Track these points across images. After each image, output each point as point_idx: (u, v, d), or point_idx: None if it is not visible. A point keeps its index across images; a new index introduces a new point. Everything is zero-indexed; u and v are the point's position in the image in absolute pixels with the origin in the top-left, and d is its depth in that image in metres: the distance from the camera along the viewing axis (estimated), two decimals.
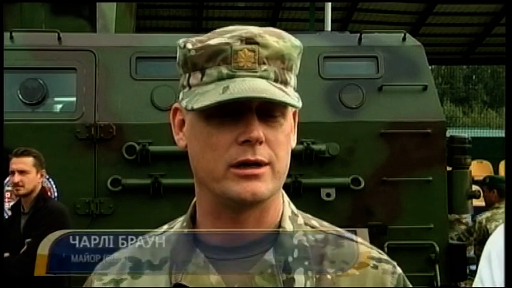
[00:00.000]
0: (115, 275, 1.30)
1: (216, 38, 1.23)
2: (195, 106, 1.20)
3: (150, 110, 5.83)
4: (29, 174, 4.85)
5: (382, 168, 5.91)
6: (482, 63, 25.12)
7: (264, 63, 1.21)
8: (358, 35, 6.24)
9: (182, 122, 1.28)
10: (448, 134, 6.28)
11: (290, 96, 1.21)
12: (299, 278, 1.23)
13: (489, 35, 16.43)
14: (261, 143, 1.20)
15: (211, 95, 1.19)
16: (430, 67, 6.81)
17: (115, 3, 7.36)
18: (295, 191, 5.57)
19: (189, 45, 1.24)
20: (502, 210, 6.79)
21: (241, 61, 1.20)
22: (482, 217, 7.04)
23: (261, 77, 1.20)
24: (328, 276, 1.25)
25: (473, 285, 2.16)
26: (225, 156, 1.20)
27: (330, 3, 9.15)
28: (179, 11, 15.63)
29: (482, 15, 15.77)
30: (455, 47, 17.77)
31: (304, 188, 5.60)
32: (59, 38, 5.99)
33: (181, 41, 1.26)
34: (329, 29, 8.91)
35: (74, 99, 5.92)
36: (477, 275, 2.14)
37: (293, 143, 1.29)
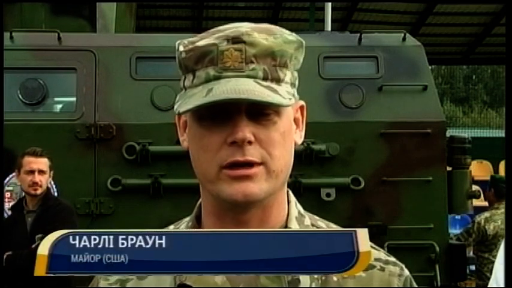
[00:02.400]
0: (121, 275, 1.29)
1: (205, 39, 1.22)
2: (180, 110, 1.20)
3: (150, 110, 5.83)
4: (45, 174, 4.98)
5: (382, 168, 5.91)
6: (482, 63, 25.12)
7: (252, 62, 1.19)
8: (358, 35, 6.24)
9: (186, 124, 1.28)
10: (448, 134, 6.28)
11: (280, 94, 1.19)
12: (304, 279, 1.22)
13: (489, 35, 16.43)
14: (250, 143, 1.18)
15: (195, 98, 1.18)
16: (430, 67, 6.81)
17: (115, 3, 7.36)
18: (295, 191, 5.53)
19: (181, 48, 1.24)
20: (501, 210, 6.80)
21: (228, 61, 1.19)
22: (481, 218, 7.04)
23: (248, 76, 1.19)
24: (334, 278, 1.23)
25: (489, 285, 2.15)
26: (216, 157, 1.19)
27: (330, 3, 9.15)
28: (179, 11, 15.63)
29: (482, 15, 15.77)
30: (455, 47, 17.76)
31: (304, 188, 5.60)
32: (59, 38, 5.99)
33: (177, 43, 1.26)
34: (329, 29, 8.91)
35: (74, 99, 5.92)
36: (492, 276, 2.12)
37: (298, 139, 1.28)
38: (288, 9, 15.41)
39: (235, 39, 1.20)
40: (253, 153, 1.19)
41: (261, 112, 1.19)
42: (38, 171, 4.93)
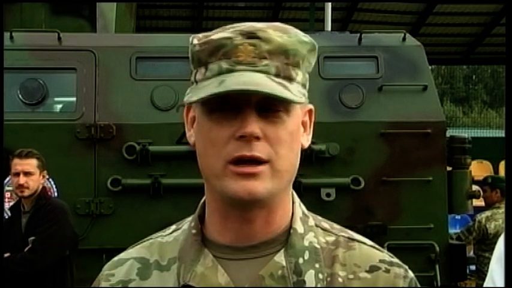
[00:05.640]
0: (123, 276, 1.29)
1: (220, 33, 1.22)
2: (191, 99, 1.20)
3: (150, 110, 5.83)
4: (33, 175, 4.89)
5: (382, 168, 5.91)
6: (482, 63, 25.13)
7: (265, 58, 1.19)
8: (358, 35, 6.24)
9: (194, 119, 1.28)
10: (448, 134, 6.28)
11: (291, 91, 1.18)
12: (310, 281, 1.21)
13: (489, 35, 16.42)
14: (258, 138, 1.18)
15: (207, 88, 1.18)
16: (430, 67, 6.81)
17: (115, 3, 7.36)
18: (295, 191, 5.53)
19: (195, 41, 1.24)
20: (502, 210, 6.80)
21: (242, 55, 1.19)
22: (482, 216, 7.05)
23: (260, 71, 1.18)
24: (339, 280, 1.23)
25: (484, 285, 2.14)
26: (223, 152, 1.19)
27: (330, 3, 9.15)
28: (179, 11, 15.62)
29: (482, 15, 15.76)
30: (455, 47, 17.75)
31: (304, 188, 5.59)
32: (59, 38, 5.99)
33: (191, 37, 1.27)
34: (329, 29, 8.91)
35: (74, 99, 5.92)
36: (488, 275, 2.10)
37: (305, 142, 1.27)
38: (288, 9, 15.40)
39: (250, 34, 1.20)
40: (260, 149, 1.18)
41: (271, 108, 1.19)
42: (23, 173, 4.85)
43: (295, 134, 1.23)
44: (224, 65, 1.20)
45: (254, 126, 1.18)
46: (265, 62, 1.19)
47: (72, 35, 6.13)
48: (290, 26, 1.26)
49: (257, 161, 1.18)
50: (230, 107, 1.19)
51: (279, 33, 1.22)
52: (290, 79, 1.21)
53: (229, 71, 1.19)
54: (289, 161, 1.22)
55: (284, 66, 1.21)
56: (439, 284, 5.84)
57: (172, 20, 15.80)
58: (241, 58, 1.19)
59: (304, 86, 1.24)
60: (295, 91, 1.20)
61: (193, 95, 1.21)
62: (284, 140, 1.20)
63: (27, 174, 4.87)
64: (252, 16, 15.02)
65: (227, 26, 1.24)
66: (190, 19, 15.89)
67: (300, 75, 1.23)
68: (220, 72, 1.19)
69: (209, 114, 1.21)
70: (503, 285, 1.97)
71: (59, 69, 5.97)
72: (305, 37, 1.24)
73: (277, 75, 1.19)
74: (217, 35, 1.22)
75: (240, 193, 1.18)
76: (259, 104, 1.18)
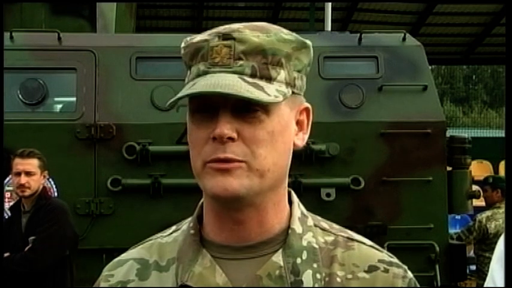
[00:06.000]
0: (122, 276, 1.29)
1: (200, 36, 1.24)
2: (167, 104, 1.24)
3: (150, 110, 5.83)
4: (34, 175, 4.88)
5: (382, 168, 5.91)
6: (482, 63, 25.13)
7: (240, 59, 1.19)
8: (358, 35, 6.24)
9: None
10: (448, 134, 6.28)
11: (265, 92, 1.18)
12: (307, 281, 1.21)
13: (489, 35, 16.42)
14: (233, 139, 1.18)
15: (182, 91, 1.20)
16: (430, 67, 6.81)
17: (115, 3, 7.36)
18: (295, 191, 5.51)
19: (182, 44, 1.27)
20: (503, 209, 6.80)
21: (217, 57, 1.20)
22: (483, 216, 7.05)
23: (234, 72, 1.18)
24: (338, 280, 1.23)
25: (484, 285, 2.13)
26: (202, 153, 1.20)
27: (330, 3, 9.14)
28: (179, 11, 15.63)
29: (482, 15, 15.76)
30: (455, 47, 17.76)
31: (304, 188, 5.59)
32: (59, 38, 5.99)
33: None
34: (329, 29, 8.90)
35: (74, 99, 5.92)
36: (489, 275, 2.10)
37: (299, 141, 1.27)
38: (288, 9, 15.40)
39: (226, 36, 1.21)
40: (234, 150, 1.18)
41: (247, 108, 1.19)
42: (25, 172, 4.85)
43: (278, 133, 1.21)
44: (201, 67, 1.21)
45: (225, 127, 1.17)
46: (240, 62, 1.19)
47: (72, 35, 6.13)
48: (274, 25, 1.25)
49: (232, 161, 1.18)
50: (207, 108, 1.19)
51: (257, 32, 1.21)
52: (268, 79, 1.20)
53: (205, 73, 1.20)
54: (271, 160, 1.20)
55: (262, 66, 1.20)
56: (439, 284, 5.84)
57: (172, 20, 15.81)
58: (217, 60, 1.20)
59: (290, 84, 1.23)
60: (272, 91, 1.19)
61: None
62: (262, 139, 1.19)
63: (28, 174, 4.87)
64: (252, 16, 15.02)
65: (211, 29, 1.25)
66: (190, 19, 15.89)
67: (282, 74, 1.22)
68: (198, 75, 1.21)
69: (192, 115, 1.23)
70: (503, 285, 1.97)
71: (59, 69, 5.97)
72: (288, 35, 1.24)
73: (252, 75, 1.19)
74: (197, 38, 1.24)
75: (215, 188, 1.18)
76: (236, 104, 1.18)
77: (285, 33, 1.24)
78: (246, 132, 1.19)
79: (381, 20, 15.28)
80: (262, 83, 1.19)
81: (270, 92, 1.18)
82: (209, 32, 1.24)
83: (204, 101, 1.19)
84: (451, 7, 15.19)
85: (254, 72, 1.19)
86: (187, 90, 1.19)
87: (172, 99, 1.20)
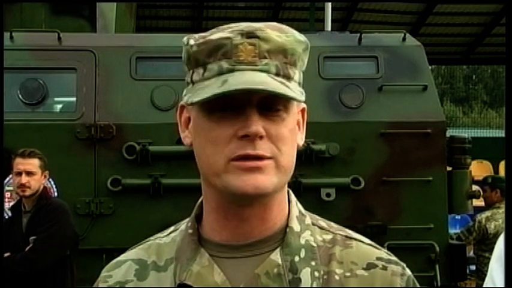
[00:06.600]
0: (120, 277, 1.30)
1: (218, 33, 1.23)
2: (194, 100, 1.20)
3: (150, 110, 5.83)
4: (35, 175, 4.89)
5: (382, 168, 5.91)
6: (482, 63, 25.13)
7: (265, 57, 1.20)
8: (358, 35, 6.24)
9: (188, 120, 1.28)
10: (448, 134, 6.28)
11: (292, 90, 1.19)
12: (305, 279, 1.21)
13: (489, 35, 16.42)
14: (261, 137, 1.19)
15: (210, 88, 1.18)
16: (430, 67, 6.81)
17: (115, 3, 7.36)
18: (295, 191, 5.51)
19: (192, 41, 1.24)
20: (502, 210, 6.79)
21: (242, 55, 1.20)
22: (482, 216, 7.05)
23: (261, 70, 1.19)
24: (336, 277, 1.23)
25: (484, 285, 2.13)
26: (225, 150, 1.19)
27: (330, 3, 9.14)
28: (179, 11, 15.63)
29: (482, 15, 15.76)
30: (455, 47, 17.76)
31: (304, 188, 5.59)
32: (59, 38, 5.99)
33: (185, 38, 1.27)
34: (329, 29, 8.90)
35: (74, 99, 5.92)
36: (488, 274, 2.10)
37: (300, 141, 1.28)
38: (288, 9, 15.41)
39: (250, 34, 1.21)
40: (264, 147, 1.19)
41: (271, 107, 1.20)
42: (26, 172, 4.85)
43: (294, 131, 1.24)
44: (224, 64, 1.20)
45: (258, 125, 1.18)
46: (265, 61, 1.20)
47: (72, 35, 6.13)
48: (285, 26, 1.26)
49: (260, 158, 1.19)
50: (231, 106, 1.19)
51: (277, 32, 1.22)
52: (289, 78, 1.22)
53: (230, 70, 1.19)
54: (292, 157, 1.23)
55: (283, 65, 1.21)
56: (439, 284, 5.84)
57: (172, 20, 15.81)
58: (242, 58, 1.19)
59: (300, 84, 1.25)
60: (295, 89, 1.21)
61: (193, 95, 1.21)
62: (285, 137, 1.22)
63: (29, 174, 4.87)
64: (252, 16, 15.03)
65: (223, 26, 1.24)
66: (190, 19, 15.89)
67: (297, 74, 1.24)
68: (221, 72, 1.20)
69: (209, 114, 1.21)
70: (503, 284, 1.97)
71: (59, 69, 5.97)
72: (300, 36, 1.26)
73: (277, 74, 1.20)
74: (215, 35, 1.22)
75: (245, 187, 1.18)
76: (260, 103, 1.19)
77: (298, 34, 1.26)
78: (272, 130, 1.20)
79: (381, 20, 15.28)
80: (286, 81, 1.21)
81: (295, 90, 1.20)
82: (226, 30, 1.22)
83: (225, 99, 1.18)
84: (451, 7, 15.19)
85: (278, 71, 1.21)
86: (220, 87, 1.17)
87: (207, 96, 1.17)
